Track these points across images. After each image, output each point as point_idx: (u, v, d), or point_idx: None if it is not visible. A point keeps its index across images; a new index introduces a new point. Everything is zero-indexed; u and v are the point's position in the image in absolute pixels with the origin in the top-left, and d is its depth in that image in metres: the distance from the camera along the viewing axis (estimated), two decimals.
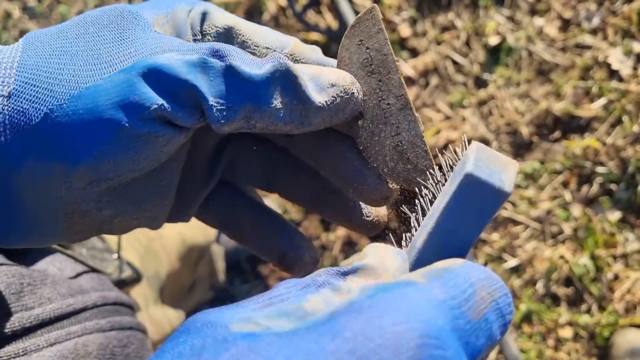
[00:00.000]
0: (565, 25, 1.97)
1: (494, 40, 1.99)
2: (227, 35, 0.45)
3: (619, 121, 1.83)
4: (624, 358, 1.61)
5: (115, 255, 0.85)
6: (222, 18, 0.45)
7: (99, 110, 0.38)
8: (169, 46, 0.40)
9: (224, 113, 0.39)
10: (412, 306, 0.30)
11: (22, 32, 2.15)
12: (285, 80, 0.40)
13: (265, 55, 0.45)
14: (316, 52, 0.46)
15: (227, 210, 0.54)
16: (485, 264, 1.81)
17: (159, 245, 1.06)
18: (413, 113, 0.44)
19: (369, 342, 0.28)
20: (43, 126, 0.39)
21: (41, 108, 0.38)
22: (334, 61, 0.46)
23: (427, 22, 2.06)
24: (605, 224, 1.77)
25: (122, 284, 0.84)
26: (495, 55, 1.98)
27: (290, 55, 0.45)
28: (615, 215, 1.78)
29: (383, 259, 0.36)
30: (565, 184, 1.84)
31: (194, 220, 0.55)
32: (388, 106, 0.44)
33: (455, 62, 2.01)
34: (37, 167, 0.39)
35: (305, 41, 2.08)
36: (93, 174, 0.40)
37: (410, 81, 2.01)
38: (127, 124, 0.38)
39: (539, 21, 1.99)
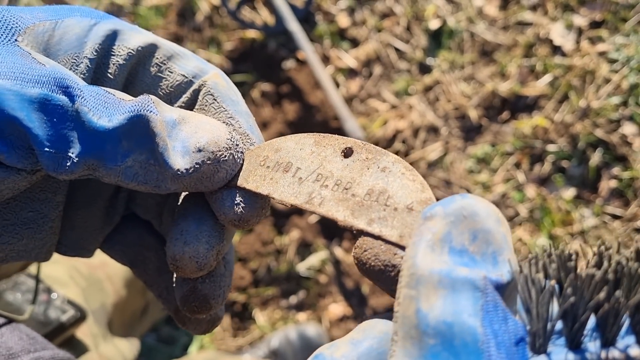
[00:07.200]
0: (505, 3, 1.95)
1: (434, 24, 1.94)
2: (140, 58, 0.39)
3: (565, 97, 1.82)
4: None
5: (55, 295, 0.77)
6: (135, 38, 0.39)
7: None
8: (8, 70, 0.33)
9: (61, 162, 0.34)
10: None
11: None
12: (142, 136, 0.35)
13: (179, 84, 0.40)
14: (234, 92, 0.41)
15: (133, 247, 0.47)
16: None
17: (102, 274, 0.97)
18: None
19: None
20: None
21: None
22: (245, 110, 0.41)
23: (365, 10, 2.01)
24: (560, 202, 1.75)
25: (64, 328, 0.75)
26: (437, 39, 1.95)
27: (202, 83, 0.40)
28: (569, 193, 1.76)
29: None
30: (517, 165, 1.81)
31: None
32: None
33: (397, 50, 1.96)
34: None
35: (243, 40, 2.00)
36: None
37: (353, 72, 1.96)
38: None
39: (478, 1, 1.95)
